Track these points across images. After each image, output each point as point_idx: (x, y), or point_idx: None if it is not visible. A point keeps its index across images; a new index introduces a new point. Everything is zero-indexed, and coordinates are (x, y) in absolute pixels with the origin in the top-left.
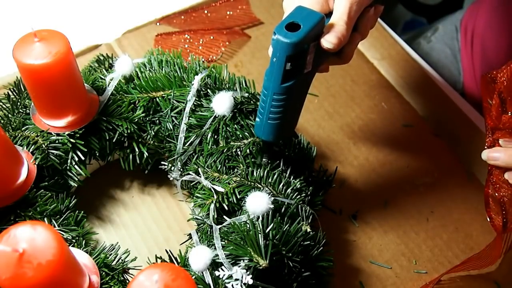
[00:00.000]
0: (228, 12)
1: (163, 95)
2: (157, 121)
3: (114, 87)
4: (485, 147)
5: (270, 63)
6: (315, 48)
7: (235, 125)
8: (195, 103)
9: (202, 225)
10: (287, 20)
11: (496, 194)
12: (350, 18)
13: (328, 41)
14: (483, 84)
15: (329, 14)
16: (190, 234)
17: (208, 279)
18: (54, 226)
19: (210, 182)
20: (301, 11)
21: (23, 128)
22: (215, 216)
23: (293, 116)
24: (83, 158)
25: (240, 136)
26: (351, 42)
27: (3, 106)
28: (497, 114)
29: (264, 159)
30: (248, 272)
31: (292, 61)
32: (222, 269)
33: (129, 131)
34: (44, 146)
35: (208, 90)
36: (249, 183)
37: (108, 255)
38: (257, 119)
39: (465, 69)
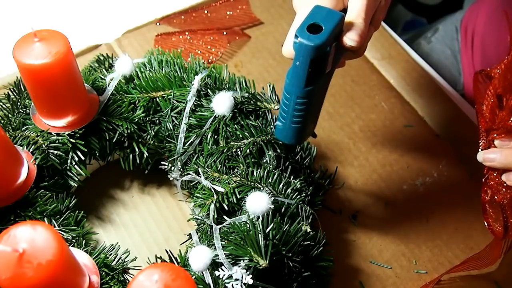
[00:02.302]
0: (228, 12)
1: (163, 95)
2: (157, 121)
3: (114, 87)
4: (479, 151)
5: (292, 67)
6: (335, 48)
7: (235, 125)
8: (195, 103)
9: (202, 225)
10: (307, 21)
11: (496, 197)
12: (367, 15)
13: (351, 39)
14: (475, 84)
15: (343, 10)
16: (190, 234)
17: (208, 279)
18: (54, 226)
19: (210, 182)
20: (320, 11)
21: (23, 128)
22: (215, 216)
23: (314, 116)
24: (83, 158)
25: (240, 136)
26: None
27: (3, 106)
28: (490, 115)
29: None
30: (248, 272)
31: (315, 64)
32: (222, 269)
33: (129, 131)
34: (44, 146)
35: (208, 90)
36: (249, 183)
37: (108, 255)
38: (278, 123)
39: (465, 70)
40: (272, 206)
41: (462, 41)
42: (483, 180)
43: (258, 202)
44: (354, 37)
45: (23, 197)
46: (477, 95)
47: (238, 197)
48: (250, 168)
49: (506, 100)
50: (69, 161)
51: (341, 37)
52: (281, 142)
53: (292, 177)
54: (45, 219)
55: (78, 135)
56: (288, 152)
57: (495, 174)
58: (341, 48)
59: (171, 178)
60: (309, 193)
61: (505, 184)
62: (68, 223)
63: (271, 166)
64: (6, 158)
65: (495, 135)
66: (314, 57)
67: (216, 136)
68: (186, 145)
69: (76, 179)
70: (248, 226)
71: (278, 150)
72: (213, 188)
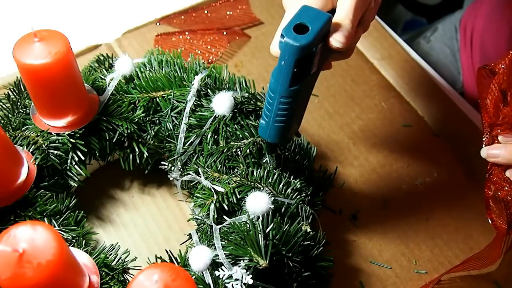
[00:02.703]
0: (228, 12)
1: (163, 95)
2: (157, 121)
3: (114, 87)
4: (483, 146)
5: (277, 66)
6: (321, 49)
7: (235, 125)
8: (195, 103)
9: (202, 225)
10: (294, 21)
11: (499, 193)
12: (355, 16)
13: (337, 41)
14: (479, 79)
15: (332, 11)
16: (190, 234)
17: (208, 279)
18: (54, 226)
19: (210, 182)
20: (308, 11)
21: (23, 128)
22: (215, 216)
23: (298, 116)
24: (83, 158)
25: (240, 136)
26: (354, 36)
27: (3, 106)
28: (494, 110)
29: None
30: (248, 272)
31: (301, 64)
32: (222, 269)
33: (129, 131)
34: (44, 146)
35: (208, 90)
36: (249, 183)
37: (108, 255)
38: (262, 121)
39: (464, 69)
40: (272, 206)
41: (461, 40)
42: (487, 175)
43: (258, 202)
44: (340, 38)
45: (23, 197)
46: (480, 90)
47: (238, 197)
48: (250, 168)
49: (511, 96)
50: (69, 161)
51: (327, 38)
52: (259, 140)
53: (292, 177)
54: (45, 219)
55: (78, 135)
56: (271, 151)
57: (498, 170)
58: (328, 48)
59: (171, 178)
60: (309, 193)
61: (509, 180)
62: (68, 223)
63: (271, 166)
64: (6, 158)
65: (499, 130)
66: (300, 57)
67: (216, 136)
68: (186, 145)
69: (76, 179)
70: (248, 226)
71: (278, 150)
72: (213, 188)
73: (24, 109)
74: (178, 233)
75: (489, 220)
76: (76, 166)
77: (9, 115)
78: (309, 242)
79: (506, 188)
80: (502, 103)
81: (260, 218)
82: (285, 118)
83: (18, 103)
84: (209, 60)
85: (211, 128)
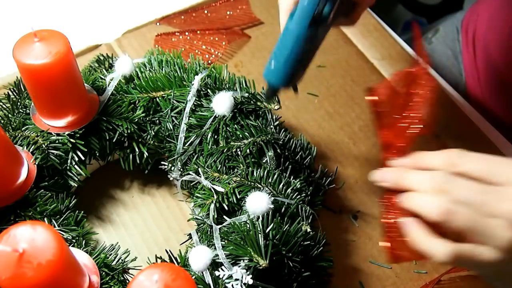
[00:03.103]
0: (228, 12)
1: (163, 95)
2: (157, 121)
3: (114, 87)
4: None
5: (299, 6)
6: (339, 4)
7: (235, 125)
8: (195, 103)
9: (202, 225)
10: None
11: (392, 220)
12: None
13: None
14: (371, 104)
15: None
16: (190, 234)
17: (208, 279)
18: (54, 226)
19: (210, 182)
20: None
21: (23, 128)
22: (215, 216)
23: (304, 65)
24: (83, 158)
25: (240, 136)
26: (361, 4)
27: (3, 106)
28: (386, 132)
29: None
30: (248, 272)
31: (321, 7)
32: (222, 269)
33: (129, 131)
34: (44, 146)
35: (208, 90)
36: (249, 183)
37: (108, 255)
38: (269, 64)
39: (467, 71)
40: (272, 206)
41: (463, 42)
42: (381, 201)
43: (258, 202)
44: None
45: (23, 197)
46: (374, 116)
47: (238, 197)
48: (250, 168)
49: (393, 118)
50: (69, 161)
51: None
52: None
53: (292, 177)
54: (45, 219)
55: (78, 135)
56: (271, 95)
57: (392, 195)
58: (338, 9)
59: (171, 178)
60: (309, 193)
61: (401, 206)
62: (68, 223)
63: (271, 166)
64: (6, 158)
65: (389, 154)
66: None
67: (216, 136)
68: (186, 145)
69: (76, 179)
70: (248, 226)
71: (278, 150)
72: (213, 188)
73: (24, 109)
74: (178, 233)
75: (385, 247)
76: (76, 166)
77: (9, 115)
78: (309, 242)
79: (396, 212)
80: (389, 126)
81: (260, 218)
82: (295, 61)
83: (18, 103)
84: (209, 61)
85: (211, 128)
